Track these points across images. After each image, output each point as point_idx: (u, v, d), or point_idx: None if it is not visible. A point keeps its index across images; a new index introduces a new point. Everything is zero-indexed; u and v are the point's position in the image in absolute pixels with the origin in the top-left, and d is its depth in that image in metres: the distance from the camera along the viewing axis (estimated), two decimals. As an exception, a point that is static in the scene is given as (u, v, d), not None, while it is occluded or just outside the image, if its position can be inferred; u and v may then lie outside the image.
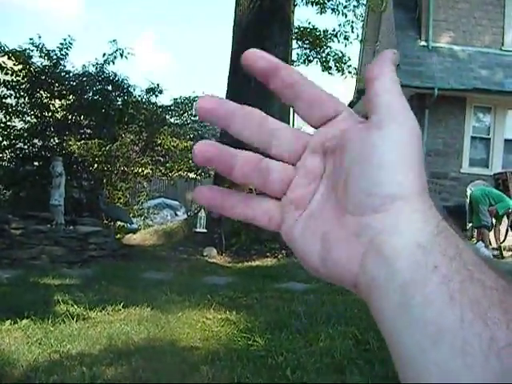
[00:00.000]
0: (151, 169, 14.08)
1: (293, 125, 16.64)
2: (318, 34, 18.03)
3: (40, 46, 12.43)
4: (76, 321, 5.05)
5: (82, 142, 11.87)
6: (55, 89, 12.63)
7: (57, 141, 12.83)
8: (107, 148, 12.12)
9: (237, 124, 0.47)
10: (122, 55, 13.10)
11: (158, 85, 13.98)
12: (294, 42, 16.27)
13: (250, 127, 0.47)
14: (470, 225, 11.50)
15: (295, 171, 0.48)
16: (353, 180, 0.41)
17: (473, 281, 0.36)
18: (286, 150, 0.48)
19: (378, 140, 0.40)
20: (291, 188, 0.48)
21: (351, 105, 15.72)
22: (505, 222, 10.99)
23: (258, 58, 0.48)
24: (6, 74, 12.19)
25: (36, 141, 12.94)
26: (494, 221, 10.92)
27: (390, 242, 0.39)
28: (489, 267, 0.38)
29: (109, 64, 13.13)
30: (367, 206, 0.40)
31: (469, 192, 12.10)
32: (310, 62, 18.40)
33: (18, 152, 12.89)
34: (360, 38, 19.42)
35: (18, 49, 12.18)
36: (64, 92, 12.75)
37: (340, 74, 18.88)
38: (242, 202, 0.48)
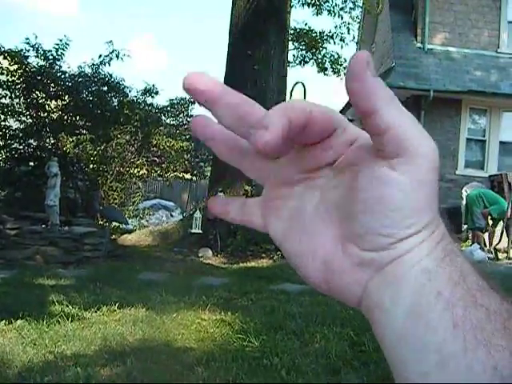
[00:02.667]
0: (146, 169, 14.09)
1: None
2: (314, 35, 18.07)
3: (36, 46, 12.42)
4: (71, 321, 5.04)
5: (75, 138, 11.85)
6: (51, 89, 12.61)
7: (52, 141, 12.81)
8: (102, 148, 12.12)
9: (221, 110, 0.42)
10: (117, 56, 13.11)
11: (153, 85, 14.01)
12: (290, 43, 16.27)
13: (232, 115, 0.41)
14: (466, 226, 11.53)
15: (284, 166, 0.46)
16: (361, 216, 0.39)
17: (476, 306, 0.36)
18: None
19: (391, 182, 0.38)
20: (275, 185, 0.47)
21: (348, 106, 15.73)
22: (500, 224, 11.01)
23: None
24: (2, 73, 12.18)
25: (31, 141, 12.92)
26: (490, 223, 10.95)
27: (394, 270, 0.38)
28: (493, 289, 0.38)
29: (104, 65, 13.14)
30: (375, 245, 0.39)
31: (464, 194, 12.13)
32: (306, 63, 18.46)
33: (13, 152, 12.87)
34: (356, 40, 19.47)
35: (14, 49, 12.17)
36: (60, 92, 12.74)
37: (336, 75, 18.94)
38: (241, 209, 0.49)
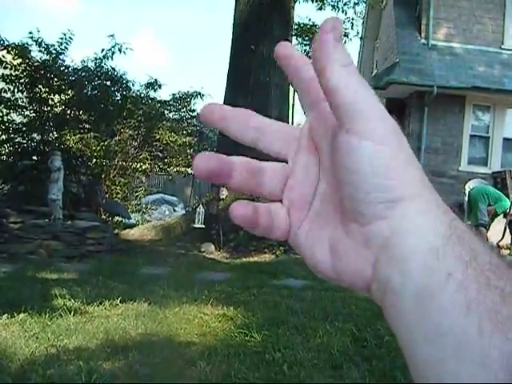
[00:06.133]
0: (149, 164, 14.09)
1: (292, 120, 16.65)
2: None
3: (39, 41, 12.42)
4: (73, 315, 5.05)
5: (79, 134, 11.87)
6: (54, 83, 12.61)
7: (55, 135, 12.82)
8: (106, 143, 12.13)
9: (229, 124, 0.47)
10: (120, 50, 13.09)
11: (156, 80, 14.00)
12: (294, 38, 16.26)
13: (237, 124, 0.47)
14: (469, 223, 11.51)
15: (290, 168, 0.46)
16: (345, 190, 0.39)
17: (490, 288, 0.34)
18: (273, 143, 0.47)
19: (353, 149, 0.37)
20: (289, 187, 0.46)
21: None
22: (501, 220, 10.99)
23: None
24: (5, 68, 12.17)
25: (35, 135, 12.92)
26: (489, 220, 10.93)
27: (399, 247, 0.37)
28: (508, 268, 0.36)
29: (107, 59, 13.12)
30: (367, 215, 0.38)
31: (467, 190, 12.10)
32: (309, 58, 18.43)
33: (16, 146, 12.88)
34: (360, 35, 19.43)
35: (18, 43, 12.16)
36: (63, 87, 12.73)
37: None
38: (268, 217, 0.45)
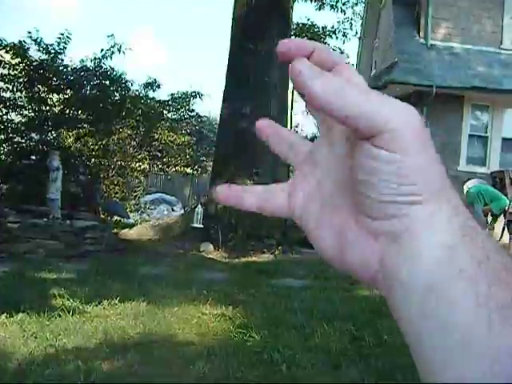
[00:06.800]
0: (148, 163, 14.10)
1: (291, 119, 16.65)
2: (316, 30, 18.05)
3: (38, 40, 12.42)
4: (72, 315, 5.05)
5: (77, 131, 11.87)
6: (53, 83, 12.61)
7: (54, 135, 12.82)
8: (104, 142, 12.13)
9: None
10: (119, 50, 13.09)
11: (155, 79, 14.00)
12: (293, 38, 16.26)
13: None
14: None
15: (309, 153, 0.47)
16: (360, 188, 0.39)
17: (501, 285, 0.34)
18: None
19: (375, 157, 0.37)
20: (298, 174, 0.47)
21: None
22: (501, 220, 11.00)
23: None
24: (4, 67, 12.18)
25: (33, 135, 12.93)
26: (489, 220, 10.93)
27: (411, 242, 0.37)
28: None
29: (106, 59, 13.12)
30: (380, 213, 0.38)
31: (466, 190, 12.10)
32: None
33: (15, 146, 12.88)
34: (359, 35, 19.45)
35: (16, 42, 12.16)
36: (62, 86, 12.74)
37: (338, 70, 18.95)
38: (260, 198, 0.48)
